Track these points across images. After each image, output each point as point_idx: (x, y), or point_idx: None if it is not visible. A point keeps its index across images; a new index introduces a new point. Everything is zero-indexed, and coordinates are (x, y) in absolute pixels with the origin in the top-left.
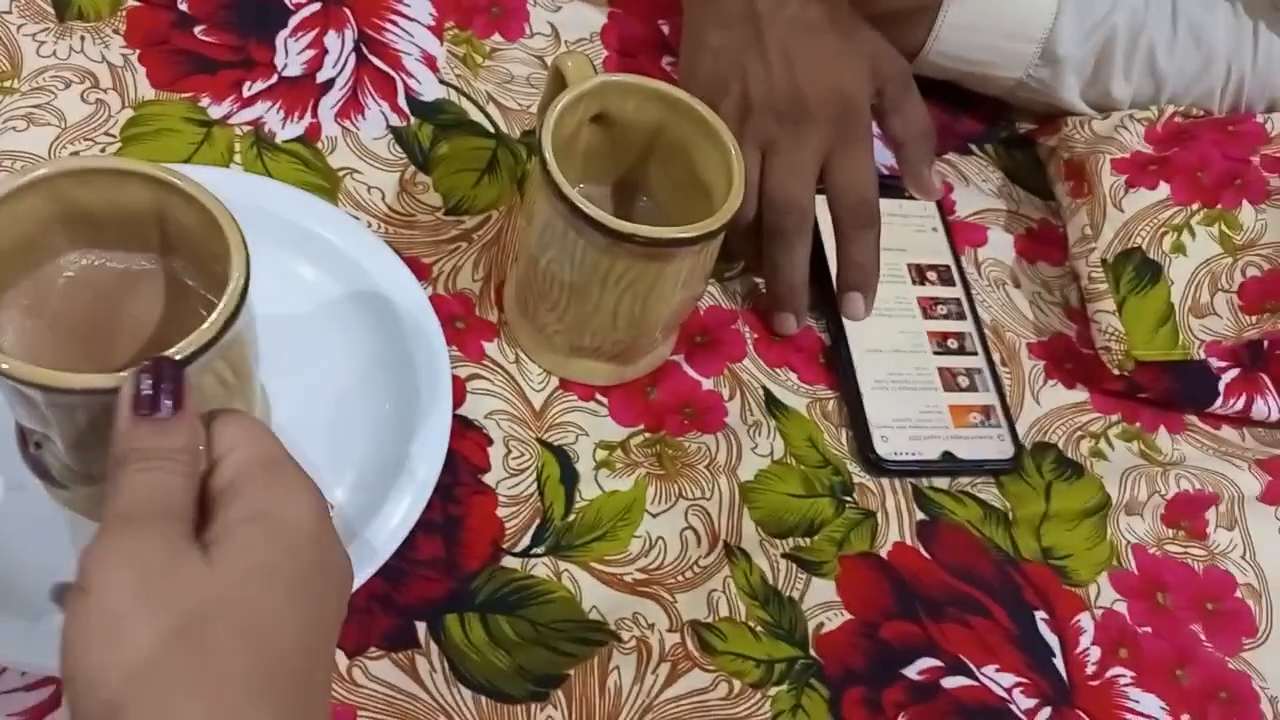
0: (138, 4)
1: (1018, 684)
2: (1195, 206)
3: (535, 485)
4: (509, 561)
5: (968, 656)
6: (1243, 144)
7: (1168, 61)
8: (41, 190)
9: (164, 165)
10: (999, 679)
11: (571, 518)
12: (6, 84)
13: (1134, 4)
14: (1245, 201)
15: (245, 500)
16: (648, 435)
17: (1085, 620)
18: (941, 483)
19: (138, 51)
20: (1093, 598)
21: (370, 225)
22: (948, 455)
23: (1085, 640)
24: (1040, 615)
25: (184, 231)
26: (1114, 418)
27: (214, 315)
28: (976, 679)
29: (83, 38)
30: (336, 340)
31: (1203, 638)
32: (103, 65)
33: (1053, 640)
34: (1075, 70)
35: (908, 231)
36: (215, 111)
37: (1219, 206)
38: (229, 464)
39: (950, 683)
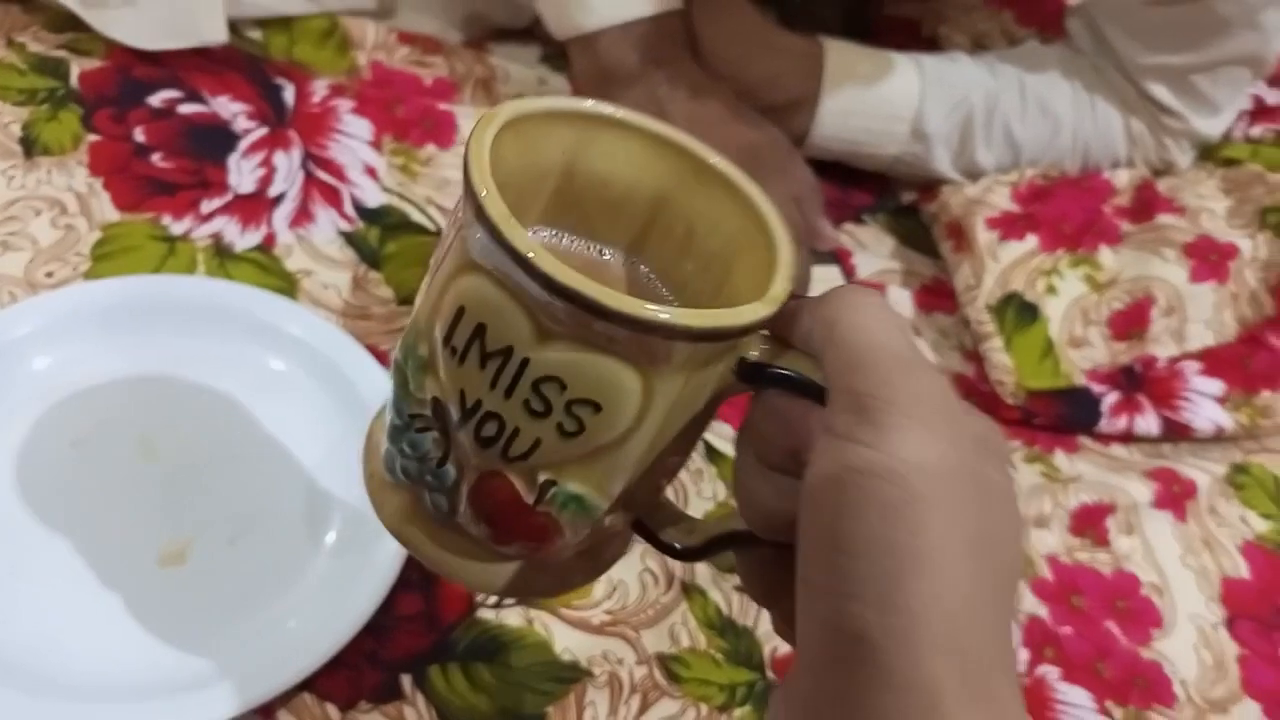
0: (98, 138)
1: None
2: (1060, 253)
3: None
4: (483, 613)
5: None
6: (1095, 197)
7: (1022, 130)
8: (572, 125)
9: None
10: None
11: None
12: None
13: (987, 83)
14: (1103, 245)
15: None
16: None
17: (1012, 625)
18: None
19: (101, 179)
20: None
21: (329, 319)
22: None
23: (1014, 643)
24: None
25: (684, 222)
26: (1015, 444)
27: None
28: None
29: (49, 170)
30: (309, 420)
31: (1117, 633)
32: (69, 194)
33: None
34: (943, 143)
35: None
36: (176, 228)
37: (1081, 251)
38: None
39: None
